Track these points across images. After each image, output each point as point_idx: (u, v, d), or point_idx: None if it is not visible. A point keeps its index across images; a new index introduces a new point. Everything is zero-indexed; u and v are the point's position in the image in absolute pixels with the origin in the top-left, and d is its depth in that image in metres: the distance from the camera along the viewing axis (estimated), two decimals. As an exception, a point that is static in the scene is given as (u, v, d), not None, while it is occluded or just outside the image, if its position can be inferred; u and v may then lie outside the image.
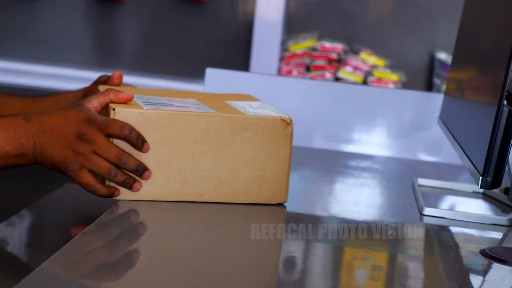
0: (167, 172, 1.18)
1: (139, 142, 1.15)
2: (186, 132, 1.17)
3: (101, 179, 1.17)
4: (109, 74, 1.42)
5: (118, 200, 1.17)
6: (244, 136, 1.20)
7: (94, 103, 1.18)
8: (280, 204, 1.24)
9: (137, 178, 1.17)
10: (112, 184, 1.16)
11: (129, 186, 1.16)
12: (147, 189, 1.18)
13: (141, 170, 1.16)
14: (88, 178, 1.15)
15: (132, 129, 1.14)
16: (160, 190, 1.18)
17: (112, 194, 1.16)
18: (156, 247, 1.06)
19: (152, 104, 1.20)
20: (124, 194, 1.17)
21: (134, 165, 1.15)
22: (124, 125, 1.14)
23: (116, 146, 1.15)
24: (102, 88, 1.32)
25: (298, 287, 0.96)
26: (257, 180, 1.22)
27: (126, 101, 1.19)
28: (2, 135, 1.15)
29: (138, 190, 1.17)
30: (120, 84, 1.39)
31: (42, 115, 1.16)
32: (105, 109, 1.19)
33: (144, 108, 1.17)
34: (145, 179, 1.17)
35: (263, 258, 1.04)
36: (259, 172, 1.21)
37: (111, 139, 1.15)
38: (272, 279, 0.97)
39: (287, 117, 1.22)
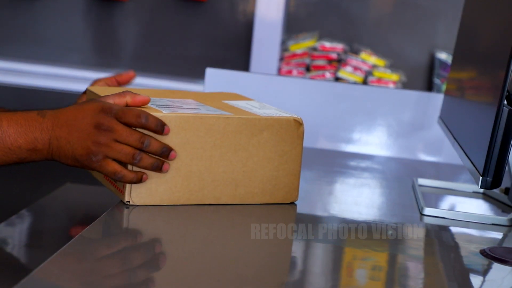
0: (186, 176, 1.17)
1: (159, 127, 1.13)
2: (205, 135, 1.17)
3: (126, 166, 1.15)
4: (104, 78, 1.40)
5: (130, 204, 1.16)
6: (260, 137, 1.20)
7: (109, 102, 1.16)
8: (291, 204, 1.25)
9: (164, 159, 1.15)
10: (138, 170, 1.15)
11: (159, 169, 1.14)
12: (168, 194, 1.17)
13: (166, 151, 1.14)
14: (114, 166, 1.13)
15: (148, 115, 1.12)
16: (180, 194, 1.18)
17: (140, 179, 1.14)
18: (162, 249, 1.06)
19: (162, 106, 1.19)
20: (145, 199, 1.16)
21: (158, 146, 1.13)
22: (140, 113, 1.12)
23: (137, 130, 1.13)
24: (95, 87, 1.31)
25: (298, 287, 0.96)
26: (271, 180, 1.22)
27: (143, 104, 1.17)
28: (16, 128, 1.13)
29: (167, 171, 1.15)
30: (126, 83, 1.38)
31: (56, 110, 1.15)
32: None
33: (163, 111, 1.16)
34: (172, 159, 1.15)
35: (263, 258, 1.03)
36: (273, 173, 1.22)
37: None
38: (278, 279, 0.96)
39: (298, 117, 1.23)
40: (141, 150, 1.13)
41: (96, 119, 1.12)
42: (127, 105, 1.16)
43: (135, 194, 1.15)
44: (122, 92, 1.17)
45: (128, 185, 1.14)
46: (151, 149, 1.13)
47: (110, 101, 1.16)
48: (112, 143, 1.12)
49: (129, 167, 1.14)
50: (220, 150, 1.18)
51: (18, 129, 1.13)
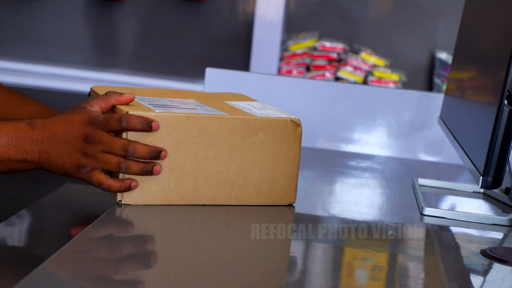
0: (180, 176, 1.17)
1: (145, 125, 1.13)
2: (199, 135, 1.17)
3: (114, 175, 1.16)
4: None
5: (123, 204, 1.15)
6: (256, 138, 1.20)
7: (95, 108, 1.17)
8: (288, 205, 1.24)
9: (155, 162, 1.15)
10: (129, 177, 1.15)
11: (149, 173, 1.14)
12: (161, 193, 1.17)
13: (156, 155, 1.14)
14: (99, 177, 1.14)
15: (129, 117, 1.12)
16: (173, 194, 1.17)
17: (128, 187, 1.14)
18: (160, 249, 1.06)
19: (159, 106, 1.19)
20: (137, 198, 1.16)
21: (145, 151, 1.13)
22: (120, 117, 1.12)
23: (122, 138, 1.13)
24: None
25: (298, 287, 0.96)
26: (268, 182, 1.21)
27: (128, 103, 1.18)
28: (6, 140, 1.15)
29: (159, 173, 1.15)
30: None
31: (45, 120, 1.16)
32: (110, 112, 1.18)
33: (156, 111, 1.16)
34: (163, 159, 1.15)
35: (263, 259, 1.03)
36: (269, 174, 1.21)
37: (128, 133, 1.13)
38: (277, 279, 0.96)
39: (296, 118, 1.22)
40: (128, 157, 1.13)
41: (83, 131, 1.13)
42: (114, 107, 1.17)
43: (127, 194, 1.15)
44: (106, 94, 1.18)
45: (121, 175, 1.14)
46: (138, 155, 1.13)
47: (96, 105, 1.17)
48: (99, 154, 1.13)
49: (121, 175, 1.14)
50: (214, 150, 1.18)
51: (8, 141, 1.15)
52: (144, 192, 1.15)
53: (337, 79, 2.86)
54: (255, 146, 1.20)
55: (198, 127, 1.16)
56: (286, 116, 1.22)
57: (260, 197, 1.21)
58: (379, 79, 2.89)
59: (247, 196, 1.21)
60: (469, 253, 1.16)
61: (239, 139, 1.19)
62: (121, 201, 1.15)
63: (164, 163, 1.15)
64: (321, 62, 2.89)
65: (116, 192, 1.15)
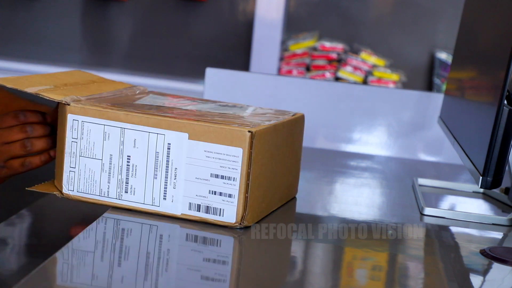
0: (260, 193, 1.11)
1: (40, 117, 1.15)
2: (279, 142, 1.14)
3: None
4: None
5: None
6: (288, 139, 1.19)
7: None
8: (289, 205, 1.24)
9: None
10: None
11: (52, 143, 1.16)
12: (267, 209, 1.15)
13: (53, 131, 1.16)
14: (17, 159, 1.15)
15: (25, 111, 1.15)
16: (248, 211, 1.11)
17: (48, 158, 1.17)
18: (160, 249, 1.06)
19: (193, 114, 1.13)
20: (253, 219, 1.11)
21: (44, 128, 1.15)
22: (17, 113, 1.15)
23: (15, 126, 1.15)
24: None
25: (298, 287, 0.96)
26: (283, 179, 1.20)
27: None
28: None
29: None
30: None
31: None
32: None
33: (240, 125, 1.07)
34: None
35: (263, 258, 1.03)
36: (287, 174, 1.21)
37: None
38: (278, 279, 0.96)
39: (299, 112, 1.24)
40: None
41: None
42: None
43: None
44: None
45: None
46: (39, 133, 1.16)
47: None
48: (1, 148, 1.15)
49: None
50: (281, 158, 1.16)
51: None
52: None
53: (337, 79, 2.86)
54: (287, 145, 1.19)
55: (280, 135, 1.14)
56: (286, 113, 1.23)
57: (281, 200, 1.20)
58: (379, 79, 2.89)
59: (275, 202, 1.18)
60: (469, 253, 1.16)
61: (284, 143, 1.17)
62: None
63: (261, 179, 1.10)
64: (321, 62, 2.89)
65: (38, 166, 1.15)
